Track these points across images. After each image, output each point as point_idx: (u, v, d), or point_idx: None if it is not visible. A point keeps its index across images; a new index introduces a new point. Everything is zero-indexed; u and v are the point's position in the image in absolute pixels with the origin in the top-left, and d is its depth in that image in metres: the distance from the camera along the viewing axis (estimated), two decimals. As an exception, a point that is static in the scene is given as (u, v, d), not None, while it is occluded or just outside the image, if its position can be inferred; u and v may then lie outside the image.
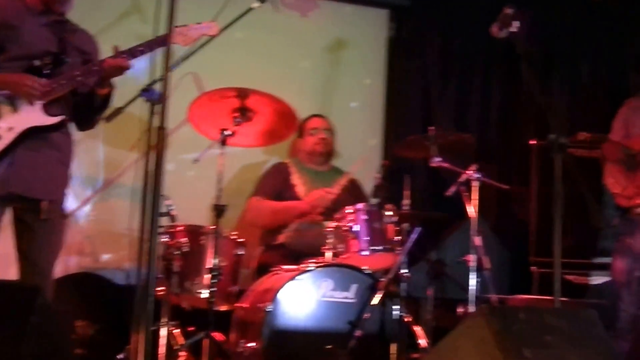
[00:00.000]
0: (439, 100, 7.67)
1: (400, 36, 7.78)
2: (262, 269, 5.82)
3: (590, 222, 6.74)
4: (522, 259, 6.95)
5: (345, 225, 5.52)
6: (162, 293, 5.11)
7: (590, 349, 3.45)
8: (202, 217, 6.06)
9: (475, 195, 5.74)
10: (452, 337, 3.43)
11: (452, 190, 5.78)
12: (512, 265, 7.29)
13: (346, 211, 5.59)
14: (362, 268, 5.32)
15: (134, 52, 4.44)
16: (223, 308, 5.44)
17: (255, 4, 5.29)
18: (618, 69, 7.30)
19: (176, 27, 4.02)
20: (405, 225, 5.67)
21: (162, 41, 4.07)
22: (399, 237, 5.57)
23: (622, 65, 7.28)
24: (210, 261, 5.14)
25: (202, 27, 4.76)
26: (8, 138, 4.25)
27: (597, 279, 6.58)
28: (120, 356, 5.03)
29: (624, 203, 5.57)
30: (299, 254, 5.83)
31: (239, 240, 5.53)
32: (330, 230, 5.51)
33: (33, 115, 4.31)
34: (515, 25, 4.31)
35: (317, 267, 5.20)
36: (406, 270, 5.51)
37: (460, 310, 5.73)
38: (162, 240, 5.21)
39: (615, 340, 5.24)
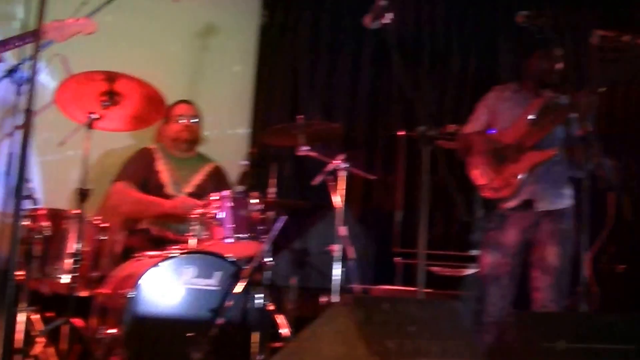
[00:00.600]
0: (308, 89, 7.70)
1: (272, 23, 7.78)
2: (126, 254, 5.76)
3: (456, 215, 6.85)
4: (387, 249, 7.02)
5: (210, 212, 5.50)
6: (21, 277, 5.00)
7: (453, 341, 3.51)
8: (65, 201, 5.95)
9: (341, 184, 5.79)
10: (314, 326, 3.42)
11: (318, 179, 5.81)
12: (377, 255, 7.34)
13: (211, 198, 5.57)
14: (226, 255, 5.33)
15: (6, 45, 4.34)
16: (84, 294, 5.34)
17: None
18: (487, 62, 7.43)
19: (53, 21, 3.93)
20: (271, 214, 5.68)
21: (36, 35, 3.98)
22: (264, 225, 5.58)
23: (491, 58, 7.41)
24: (72, 246, 5.06)
25: (78, 24, 4.70)
26: None
27: (467, 271, 6.62)
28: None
29: (490, 195, 5.49)
30: (162, 239, 5.79)
31: (102, 225, 5.44)
32: (195, 217, 5.49)
33: None
34: (388, 17, 4.36)
35: (181, 253, 5.18)
36: (270, 259, 5.52)
37: (323, 299, 5.77)
38: (23, 223, 5.10)
39: (482, 334, 5.27)
